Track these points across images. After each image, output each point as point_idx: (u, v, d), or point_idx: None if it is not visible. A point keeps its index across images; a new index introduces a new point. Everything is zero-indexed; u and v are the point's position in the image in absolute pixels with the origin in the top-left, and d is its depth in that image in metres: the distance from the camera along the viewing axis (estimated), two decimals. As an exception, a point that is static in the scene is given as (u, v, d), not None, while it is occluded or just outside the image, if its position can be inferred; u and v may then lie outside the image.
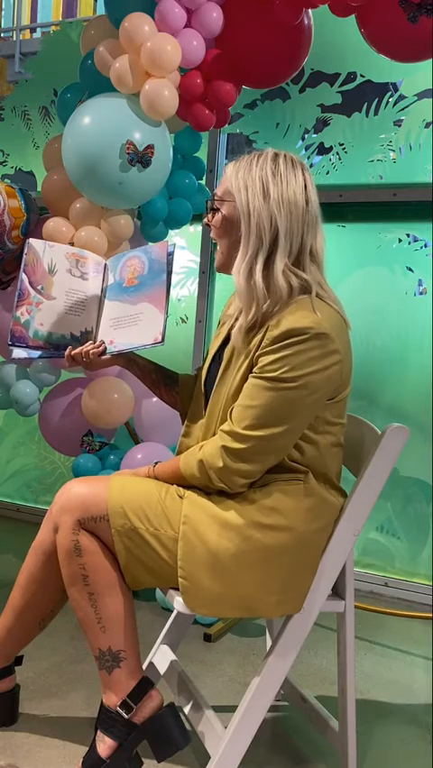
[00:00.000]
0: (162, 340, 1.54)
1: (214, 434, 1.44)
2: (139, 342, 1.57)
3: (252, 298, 1.37)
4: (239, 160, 1.44)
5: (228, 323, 1.53)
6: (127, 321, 1.62)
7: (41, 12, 6.52)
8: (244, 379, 1.38)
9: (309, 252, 1.40)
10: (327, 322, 1.32)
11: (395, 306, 2.71)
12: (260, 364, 1.34)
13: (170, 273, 1.61)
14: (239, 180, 1.39)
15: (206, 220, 1.50)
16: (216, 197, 1.46)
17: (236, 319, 1.46)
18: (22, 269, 1.63)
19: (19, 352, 1.66)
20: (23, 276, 1.63)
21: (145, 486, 1.43)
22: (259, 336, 1.36)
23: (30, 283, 1.63)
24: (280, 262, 1.36)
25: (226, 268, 1.48)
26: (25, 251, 1.64)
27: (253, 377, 1.35)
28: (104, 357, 1.62)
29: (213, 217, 1.47)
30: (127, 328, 1.61)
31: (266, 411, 1.32)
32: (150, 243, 1.70)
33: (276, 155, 1.41)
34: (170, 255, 1.63)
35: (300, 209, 1.38)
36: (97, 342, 1.62)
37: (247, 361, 1.38)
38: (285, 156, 1.41)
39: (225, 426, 1.37)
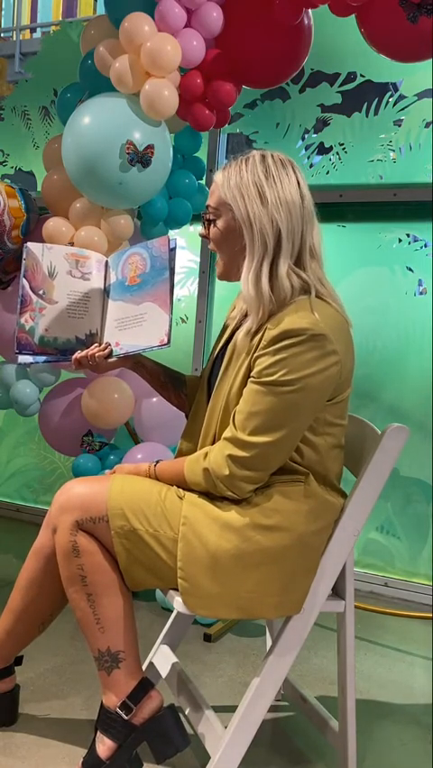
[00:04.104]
0: (169, 342, 1.52)
1: (214, 434, 1.44)
2: (145, 344, 1.56)
3: (259, 304, 1.36)
4: (227, 167, 1.42)
5: (232, 325, 1.52)
6: (132, 322, 1.60)
7: (41, 12, 6.53)
8: (245, 378, 1.37)
9: (309, 249, 1.40)
10: (325, 322, 1.32)
11: (395, 306, 2.71)
12: (257, 367, 1.34)
13: (172, 270, 1.58)
14: (232, 189, 1.38)
15: (202, 232, 1.49)
16: (210, 209, 1.45)
17: (240, 321, 1.45)
18: (22, 275, 1.61)
19: (26, 358, 1.64)
20: (24, 282, 1.61)
21: (145, 487, 1.43)
22: (258, 336, 1.36)
23: (31, 288, 1.61)
24: (283, 265, 1.36)
25: (229, 276, 1.47)
26: (24, 255, 1.62)
27: (253, 382, 1.34)
28: (110, 360, 1.61)
29: (209, 229, 1.46)
30: (132, 329, 1.60)
31: (268, 416, 1.32)
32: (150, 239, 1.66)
33: (263, 156, 1.39)
34: (172, 251, 1.59)
35: (298, 207, 1.37)
36: (103, 345, 1.62)
37: (247, 361, 1.37)
38: (273, 156, 1.40)
39: (228, 433, 1.36)
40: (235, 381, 1.39)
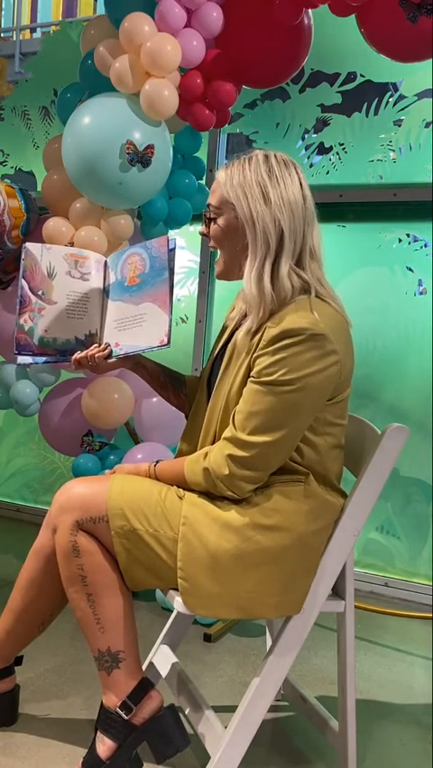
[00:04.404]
0: (168, 342, 1.52)
1: (214, 433, 1.44)
2: (145, 345, 1.56)
3: (260, 303, 1.36)
4: (229, 165, 1.42)
5: (231, 325, 1.52)
6: (131, 322, 1.60)
7: (41, 12, 6.54)
8: (245, 378, 1.37)
9: (309, 250, 1.40)
10: (325, 322, 1.32)
11: (395, 306, 2.71)
12: (257, 367, 1.34)
13: (172, 270, 1.58)
14: (236, 188, 1.38)
15: (202, 230, 1.49)
16: (212, 208, 1.45)
17: (239, 321, 1.45)
18: (21, 275, 1.61)
19: (25, 359, 1.64)
20: (23, 282, 1.61)
21: (145, 487, 1.43)
22: (258, 336, 1.36)
23: (30, 289, 1.61)
24: (285, 265, 1.36)
25: (228, 275, 1.47)
26: (23, 256, 1.62)
27: (252, 381, 1.34)
28: (110, 360, 1.61)
29: (210, 228, 1.46)
30: (132, 329, 1.59)
31: (268, 416, 1.32)
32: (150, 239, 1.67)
33: (266, 156, 1.39)
34: (172, 251, 1.59)
35: (300, 208, 1.37)
36: (103, 345, 1.62)
37: (247, 361, 1.37)
38: (276, 156, 1.40)
39: (228, 433, 1.36)
40: (235, 381, 1.39)
